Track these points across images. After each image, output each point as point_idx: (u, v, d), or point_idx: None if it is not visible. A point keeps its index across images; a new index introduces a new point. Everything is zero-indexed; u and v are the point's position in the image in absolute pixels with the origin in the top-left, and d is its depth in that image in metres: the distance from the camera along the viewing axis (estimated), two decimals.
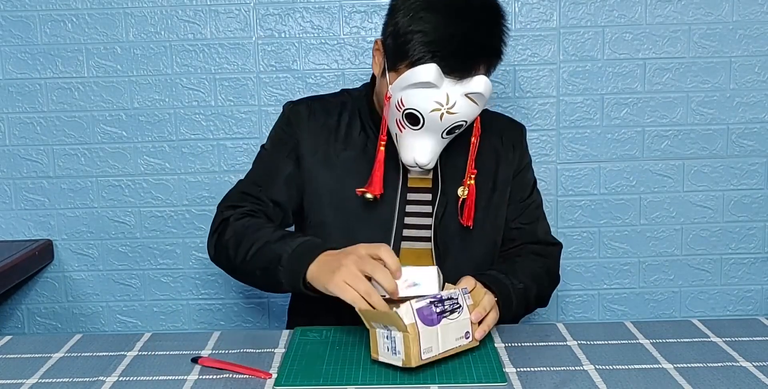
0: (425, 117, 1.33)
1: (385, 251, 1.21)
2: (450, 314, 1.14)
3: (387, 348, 1.14)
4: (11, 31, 2.05)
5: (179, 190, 2.12)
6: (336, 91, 1.61)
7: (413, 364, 1.11)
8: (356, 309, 1.17)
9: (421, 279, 1.20)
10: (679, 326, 1.35)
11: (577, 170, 2.13)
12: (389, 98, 1.36)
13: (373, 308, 1.16)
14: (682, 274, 2.18)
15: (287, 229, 1.48)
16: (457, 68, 1.31)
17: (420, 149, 1.37)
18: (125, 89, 2.07)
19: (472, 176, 1.44)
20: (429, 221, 1.48)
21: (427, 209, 1.49)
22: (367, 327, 1.17)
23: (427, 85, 1.31)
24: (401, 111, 1.35)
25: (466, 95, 1.32)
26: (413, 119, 1.35)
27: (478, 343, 1.21)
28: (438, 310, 1.13)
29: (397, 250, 1.46)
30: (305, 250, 1.28)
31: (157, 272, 2.16)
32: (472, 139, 1.43)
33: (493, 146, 1.55)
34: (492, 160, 1.54)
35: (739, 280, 2.19)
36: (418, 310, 1.11)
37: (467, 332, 1.18)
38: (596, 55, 2.08)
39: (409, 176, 1.49)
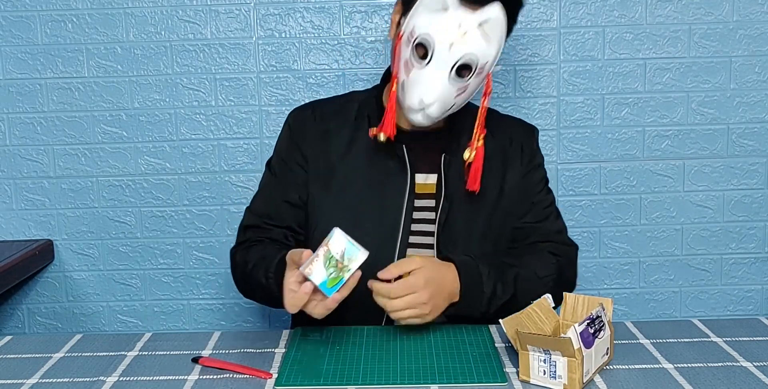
0: (434, 45, 1.32)
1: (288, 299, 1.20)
2: (599, 333, 1.12)
3: (543, 371, 1.10)
4: (11, 31, 2.05)
5: (179, 190, 2.12)
6: (344, 92, 1.62)
7: None
8: (514, 331, 1.14)
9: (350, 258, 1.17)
10: (679, 326, 1.35)
11: (577, 170, 2.13)
12: (401, 37, 1.36)
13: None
14: (682, 274, 2.18)
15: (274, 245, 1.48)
16: None
17: (426, 87, 1.34)
18: (125, 89, 2.07)
19: (482, 136, 1.41)
20: (432, 227, 1.45)
21: (432, 215, 1.46)
22: (517, 349, 1.14)
23: (442, 5, 1.31)
24: (412, 42, 1.34)
25: (479, 26, 1.32)
26: (422, 51, 1.34)
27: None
28: (592, 331, 1.11)
29: (402, 256, 1.43)
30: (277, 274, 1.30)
31: (158, 272, 2.16)
32: (483, 99, 1.40)
33: (503, 148, 1.52)
34: (500, 163, 1.50)
35: (739, 280, 2.19)
36: (580, 333, 1.08)
37: (607, 348, 1.16)
38: (596, 55, 2.07)
39: (416, 181, 1.46)
